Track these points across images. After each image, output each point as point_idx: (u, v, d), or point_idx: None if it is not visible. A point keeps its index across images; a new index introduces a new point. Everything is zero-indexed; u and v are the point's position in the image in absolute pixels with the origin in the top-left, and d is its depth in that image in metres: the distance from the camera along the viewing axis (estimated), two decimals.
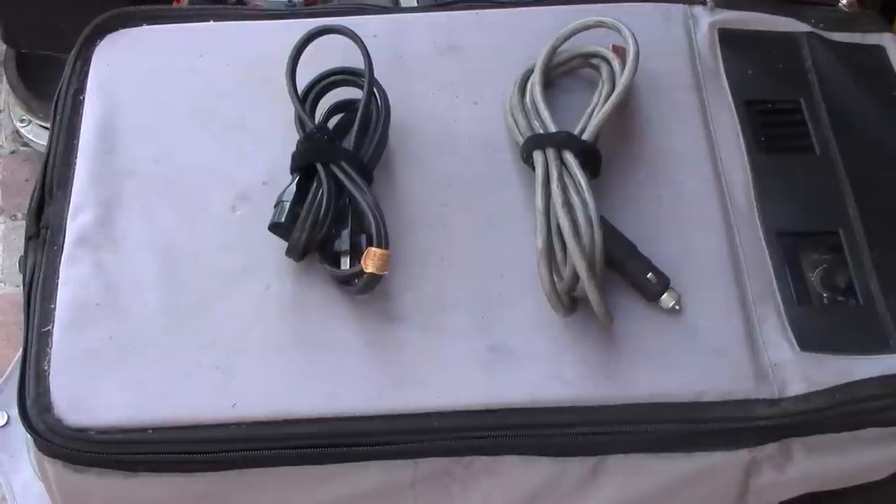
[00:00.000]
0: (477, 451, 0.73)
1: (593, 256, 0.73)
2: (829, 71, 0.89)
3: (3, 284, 1.46)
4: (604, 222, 0.76)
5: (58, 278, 0.78)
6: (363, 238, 0.76)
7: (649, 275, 0.77)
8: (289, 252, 0.77)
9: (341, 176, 0.77)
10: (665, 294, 0.76)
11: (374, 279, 0.75)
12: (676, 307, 0.76)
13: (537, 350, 0.75)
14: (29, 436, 0.72)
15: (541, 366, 0.74)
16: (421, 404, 0.73)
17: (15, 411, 0.74)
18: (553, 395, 0.73)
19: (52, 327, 0.75)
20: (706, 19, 0.91)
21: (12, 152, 1.59)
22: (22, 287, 0.80)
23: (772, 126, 0.86)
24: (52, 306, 0.76)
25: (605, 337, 0.76)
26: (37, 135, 1.52)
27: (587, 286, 0.73)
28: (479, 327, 0.76)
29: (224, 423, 0.72)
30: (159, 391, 0.73)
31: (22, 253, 0.82)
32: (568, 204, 0.75)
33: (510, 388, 0.74)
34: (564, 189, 0.76)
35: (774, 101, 0.88)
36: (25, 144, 1.57)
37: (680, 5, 0.92)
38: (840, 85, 0.88)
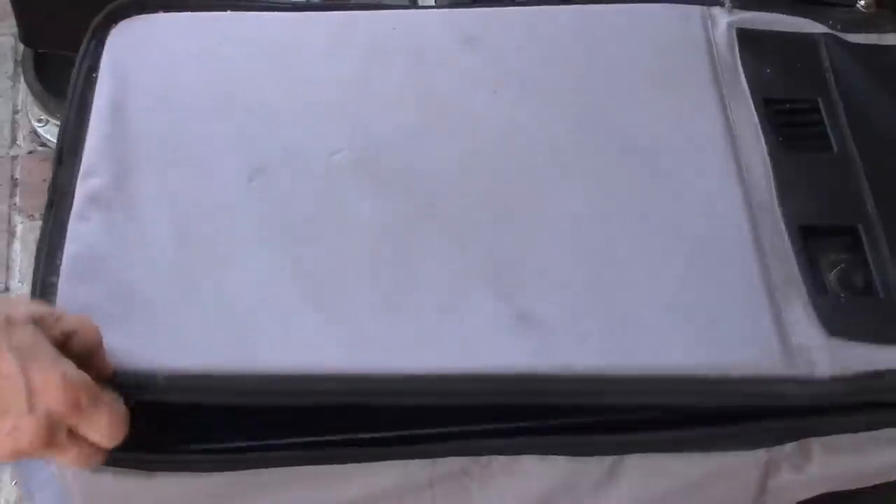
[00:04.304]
0: (495, 451, 0.73)
1: None
2: (847, 72, 0.89)
3: (21, 284, 1.47)
4: None
5: (66, 235, 0.77)
6: None
7: None
8: None
9: None
10: None
11: None
12: None
13: (565, 320, 0.74)
14: None
15: (568, 335, 0.74)
16: (443, 365, 0.72)
17: None
18: (580, 364, 0.72)
19: (57, 279, 0.75)
20: (724, 20, 0.92)
21: (30, 152, 1.60)
22: None
23: (790, 125, 0.86)
24: (59, 262, 0.76)
25: (635, 309, 0.75)
26: (54, 135, 1.53)
27: None
28: (504, 294, 0.75)
29: (240, 373, 0.70)
30: (172, 342, 0.72)
31: None
32: None
33: (535, 356, 0.73)
34: None
35: (792, 100, 0.88)
36: (43, 144, 1.57)
37: (697, 7, 0.92)
38: (858, 86, 0.88)
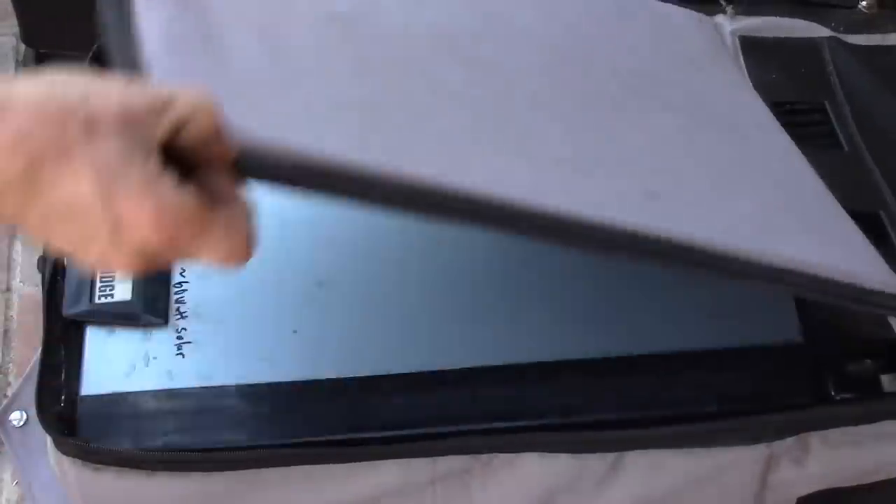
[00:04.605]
0: (496, 449, 0.73)
1: None
2: (851, 74, 0.90)
3: (22, 284, 1.47)
4: None
5: (133, 19, 0.61)
6: None
7: None
8: None
9: None
10: None
11: None
12: None
13: (691, 204, 0.70)
14: (48, 436, 0.73)
15: (698, 218, 0.69)
16: (582, 212, 0.62)
17: (34, 411, 0.74)
18: (713, 240, 0.66)
19: (138, 52, 0.59)
20: (727, 27, 0.93)
21: None
22: (41, 286, 0.80)
23: (800, 125, 0.86)
24: (133, 39, 0.60)
25: (759, 210, 0.73)
26: None
27: None
28: (627, 172, 0.71)
29: (375, 172, 0.57)
30: (296, 128, 0.58)
31: (41, 253, 0.82)
32: None
33: (669, 223, 0.66)
34: None
35: (800, 103, 0.88)
36: None
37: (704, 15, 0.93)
38: (863, 87, 0.89)
